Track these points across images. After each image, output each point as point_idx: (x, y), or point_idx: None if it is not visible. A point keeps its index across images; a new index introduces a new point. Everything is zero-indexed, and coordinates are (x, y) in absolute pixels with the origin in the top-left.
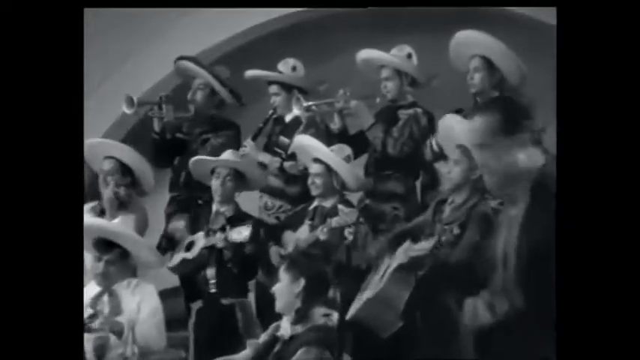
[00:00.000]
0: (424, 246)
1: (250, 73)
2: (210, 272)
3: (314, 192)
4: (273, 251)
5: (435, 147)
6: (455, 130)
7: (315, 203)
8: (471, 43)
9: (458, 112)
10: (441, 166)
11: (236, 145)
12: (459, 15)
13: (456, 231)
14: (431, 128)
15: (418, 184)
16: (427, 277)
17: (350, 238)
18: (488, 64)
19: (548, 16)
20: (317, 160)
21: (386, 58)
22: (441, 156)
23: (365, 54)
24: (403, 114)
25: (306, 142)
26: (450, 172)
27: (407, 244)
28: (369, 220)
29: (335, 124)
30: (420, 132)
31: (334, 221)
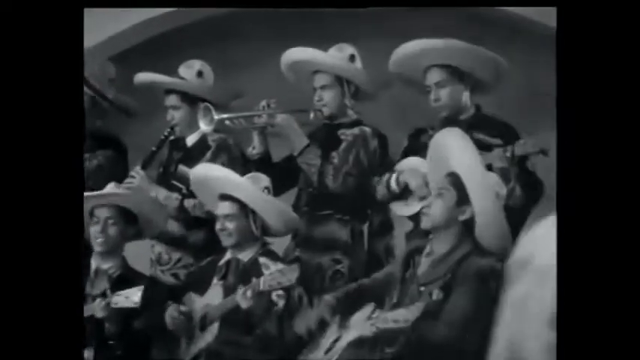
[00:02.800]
0: (404, 315)
1: (141, 77)
2: (88, 354)
3: (225, 242)
4: (171, 313)
5: (394, 185)
6: (451, 150)
7: (228, 256)
8: (423, 52)
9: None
10: (398, 208)
11: (119, 170)
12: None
13: (437, 295)
14: (383, 154)
15: (365, 228)
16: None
17: (280, 304)
18: (454, 73)
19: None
20: (227, 197)
21: (322, 59)
22: (401, 195)
23: (294, 54)
24: (346, 134)
25: (211, 173)
26: (429, 206)
27: (369, 309)
28: (300, 278)
29: (254, 148)
30: (369, 158)
31: (263, 282)
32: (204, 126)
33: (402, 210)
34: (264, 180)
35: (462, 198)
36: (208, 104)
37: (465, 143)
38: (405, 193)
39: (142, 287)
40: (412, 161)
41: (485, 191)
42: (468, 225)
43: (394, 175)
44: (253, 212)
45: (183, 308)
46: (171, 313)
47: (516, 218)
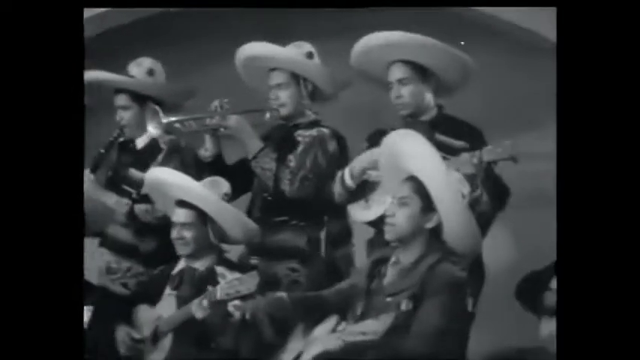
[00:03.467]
0: (373, 327)
1: (90, 75)
2: None
3: (181, 250)
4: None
5: (348, 181)
6: (405, 153)
7: (182, 264)
8: (385, 46)
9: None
10: (356, 210)
11: None
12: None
13: (406, 306)
14: (343, 157)
15: (323, 235)
16: None
17: (237, 315)
18: (417, 70)
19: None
20: (184, 204)
21: (278, 55)
22: (356, 194)
23: (249, 49)
24: (303, 136)
25: (164, 178)
26: (393, 216)
27: (332, 321)
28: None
29: (207, 150)
30: (327, 161)
31: (221, 291)
32: (152, 129)
33: (361, 215)
34: (225, 186)
35: (427, 204)
36: (156, 107)
37: (421, 144)
38: (363, 191)
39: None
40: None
41: (450, 193)
42: (436, 231)
43: (347, 169)
44: (211, 220)
45: (135, 335)
46: (122, 338)
47: (481, 224)
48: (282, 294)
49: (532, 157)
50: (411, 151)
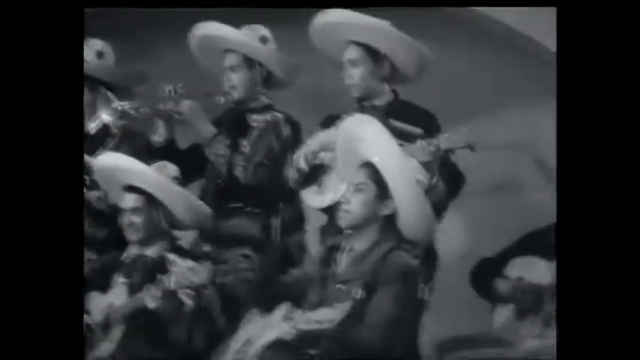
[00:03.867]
0: (328, 316)
1: None
2: None
3: (131, 237)
4: None
5: (301, 164)
6: (361, 138)
7: (133, 251)
8: (342, 25)
9: None
10: (309, 196)
11: None
12: None
13: (360, 294)
14: (296, 142)
15: (277, 222)
16: None
17: (189, 304)
18: (371, 53)
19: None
20: (133, 189)
21: (231, 36)
22: (310, 179)
23: (203, 29)
24: (257, 121)
25: (113, 163)
26: (348, 203)
27: (285, 309)
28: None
29: (159, 136)
30: (281, 147)
31: (174, 280)
32: (104, 115)
33: (314, 201)
34: (172, 169)
35: (382, 191)
36: (108, 92)
37: (376, 129)
38: (316, 176)
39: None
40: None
41: (406, 180)
42: (390, 218)
43: (301, 152)
44: (161, 205)
45: (87, 320)
46: None
47: (434, 211)
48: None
49: (488, 145)
50: (367, 137)
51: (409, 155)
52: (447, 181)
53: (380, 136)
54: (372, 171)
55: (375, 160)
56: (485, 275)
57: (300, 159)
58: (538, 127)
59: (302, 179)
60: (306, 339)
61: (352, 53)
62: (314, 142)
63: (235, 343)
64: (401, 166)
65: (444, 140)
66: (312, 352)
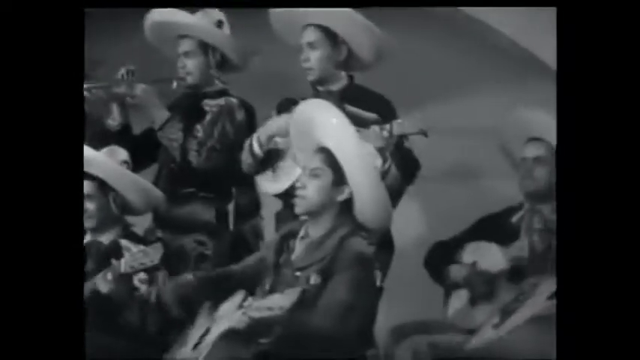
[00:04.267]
0: (278, 302)
1: None
2: None
3: (85, 223)
4: None
5: (256, 148)
6: (317, 123)
7: (86, 238)
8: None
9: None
10: (264, 182)
11: None
12: None
13: (315, 280)
14: (251, 126)
15: (231, 208)
16: (272, 352)
17: (143, 288)
18: (329, 37)
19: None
20: (84, 176)
21: (186, 22)
22: (264, 164)
23: (157, 15)
24: (211, 105)
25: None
26: (304, 188)
27: (239, 297)
28: (162, 261)
29: (113, 120)
30: (235, 131)
31: (125, 263)
32: None
33: (269, 187)
34: (122, 153)
35: (338, 177)
36: None
37: (332, 114)
38: (270, 161)
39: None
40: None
41: (362, 166)
42: (346, 204)
43: (255, 137)
44: (113, 190)
45: None
46: None
47: (390, 197)
48: (189, 275)
49: (443, 131)
50: (323, 122)
51: (364, 140)
52: (401, 167)
53: (336, 121)
54: (328, 156)
55: (331, 145)
56: (439, 260)
57: (254, 143)
58: (497, 114)
59: (256, 164)
60: (258, 327)
61: (311, 36)
62: (268, 126)
63: (193, 331)
64: (357, 152)
65: (396, 126)
66: (263, 340)
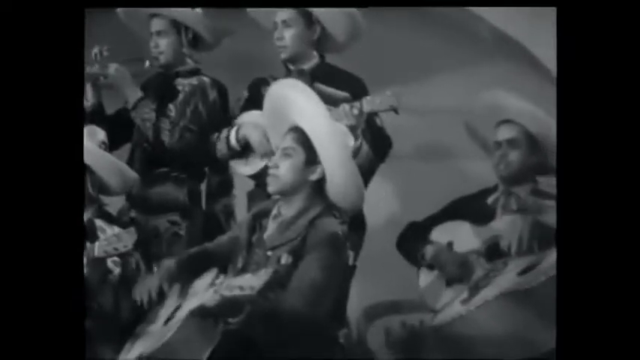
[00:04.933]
0: (249, 282)
1: None
2: None
3: None
4: None
5: (233, 142)
6: (290, 103)
7: None
8: None
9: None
10: (239, 167)
11: None
12: None
13: (286, 260)
14: (223, 106)
15: (203, 188)
16: (241, 331)
17: (116, 271)
18: (304, 16)
19: None
20: None
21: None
22: (242, 153)
23: None
24: (183, 85)
25: None
26: (276, 167)
27: (211, 275)
28: (137, 243)
29: (86, 100)
30: (208, 111)
31: (98, 247)
32: None
33: (242, 168)
34: (100, 134)
35: (311, 156)
36: None
37: (305, 94)
38: (246, 150)
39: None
40: (253, 115)
41: (334, 144)
42: (319, 184)
43: (233, 131)
44: (90, 170)
45: None
46: None
47: (362, 176)
48: (170, 262)
49: (415, 111)
50: (295, 101)
51: (335, 119)
52: (373, 145)
53: (309, 100)
54: (301, 135)
55: (304, 124)
56: (412, 240)
57: (231, 137)
58: (468, 95)
59: (231, 154)
60: (229, 305)
61: (285, 14)
62: (249, 133)
63: (164, 309)
64: (329, 131)
65: (367, 103)
66: (233, 319)
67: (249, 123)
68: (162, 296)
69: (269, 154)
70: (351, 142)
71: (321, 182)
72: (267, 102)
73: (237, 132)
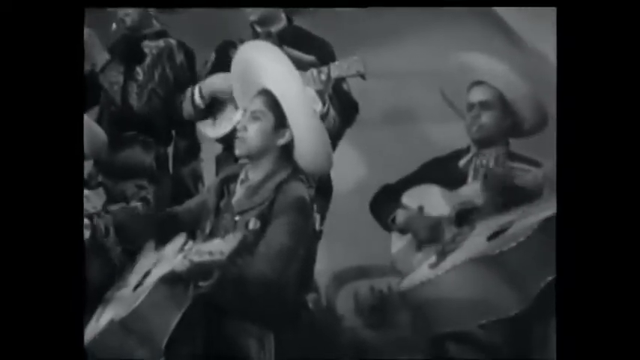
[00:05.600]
0: (219, 247)
1: None
2: None
3: None
4: None
5: (197, 100)
6: (260, 65)
7: None
8: None
9: None
10: (206, 129)
11: None
12: None
13: (254, 224)
14: (190, 69)
15: (170, 151)
16: (211, 297)
17: (86, 235)
18: None
19: None
20: None
21: None
22: (206, 113)
23: None
24: (150, 47)
25: None
26: (245, 130)
27: (180, 240)
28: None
29: None
30: (175, 74)
31: None
32: None
33: (210, 131)
34: None
35: (280, 120)
36: None
37: (276, 56)
38: (211, 110)
39: None
40: (219, 77)
41: (303, 109)
42: (287, 148)
43: (197, 88)
44: None
45: None
46: None
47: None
48: (137, 203)
49: (383, 74)
50: (265, 64)
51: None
52: (340, 110)
53: (279, 63)
54: (270, 99)
55: (273, 87)
56: (385, 203)
57: (195, 95)
58: (438, 58)
59: (197, 113)
60: (198, 271)
61: None
62: (211, 83)
63: (134, 275)
64: (299, 95)
65: (334, 68)
66: (203, 284)
67: (212, 80)
68: (132, 259)
69: (235, 108)
70: (319, 107)
71: (289, 146)
72: (235, 64)
73: (200, 89)
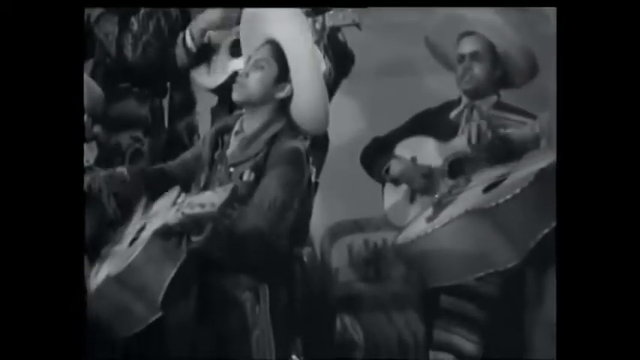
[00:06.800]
0: (210, 199)
1: None
2: None
3: None
4: None
5: (189, 42)
6: (269, 14)
7: None
8: None
9: None
10: (201, 78)
11: None
12: None
13: (248, 176)
14: (185, 21)
15: (166, 103)
16: (205, 250)
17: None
18: None
19: None
20: None
21: None
22: (199, 58)
23: None
24: None
25: None
26: (246, 76)
27: (174, 193)
28: (99, 159)
29: None
30: (170, 26)
31: None
32: None
33: (205, 80)
34: None
35: (283, 73)
36: None
37: (291, 11)
38: (205, 56)
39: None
40: (205, 11)
41: (308, 66)
42: (284, 102)
43: (188, 30)
44: None
45: None
46: None
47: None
48: (122, 169)
49: (380, 25)
50: (280, 15)
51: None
52: (335, 61)
53: (293, 17)
54: (276, 50)
55: (283, 40)
56: (376, 155)
57: (187, 37)
58: (427, 9)
59: (190, 59)
60: (190, 223)
61: None
62: (200, 19)
63: (129, 229)
64: (308, 54)
65: (329, 17)
66: (195, 238)
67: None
68: (126, 215)
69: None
70: (324, 67)
71: (286, 101)
72: (246, 11)
73: (190, 30)
